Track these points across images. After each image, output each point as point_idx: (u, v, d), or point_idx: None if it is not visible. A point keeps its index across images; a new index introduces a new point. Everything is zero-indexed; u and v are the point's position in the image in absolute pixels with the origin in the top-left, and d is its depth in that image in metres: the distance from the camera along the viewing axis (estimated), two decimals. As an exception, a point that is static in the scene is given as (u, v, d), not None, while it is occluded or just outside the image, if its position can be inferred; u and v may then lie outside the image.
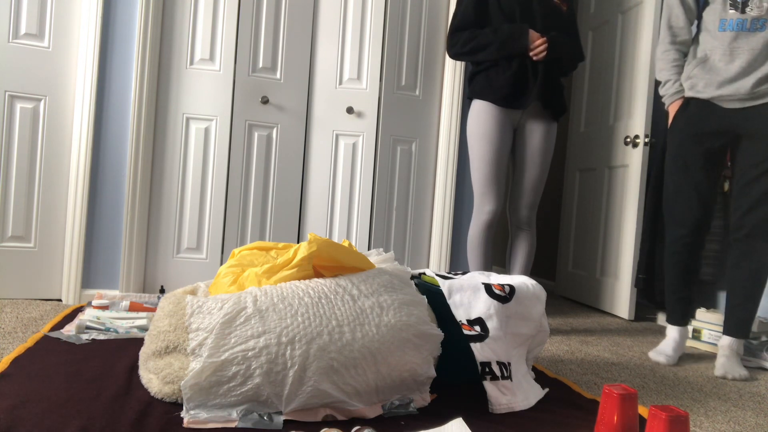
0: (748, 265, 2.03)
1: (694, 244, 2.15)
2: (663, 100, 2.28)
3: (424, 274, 1.70)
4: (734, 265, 2.07)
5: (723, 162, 2.15)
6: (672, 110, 2.24)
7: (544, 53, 2.28)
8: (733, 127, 2.07)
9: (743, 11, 2.03)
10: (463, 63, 2.83)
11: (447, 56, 2.88)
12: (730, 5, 2.06)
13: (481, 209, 2.40)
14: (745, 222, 2.03)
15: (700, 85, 2.11)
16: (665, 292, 2.27)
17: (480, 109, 2.39)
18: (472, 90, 2.45)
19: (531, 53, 2.30)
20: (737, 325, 2.06)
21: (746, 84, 2.01)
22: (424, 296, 1.51)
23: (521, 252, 2.48)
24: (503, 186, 2.41)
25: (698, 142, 2.12)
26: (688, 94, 2.17)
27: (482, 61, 2.38)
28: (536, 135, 2.41)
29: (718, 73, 2.06)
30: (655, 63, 2.97)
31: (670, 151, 2.21)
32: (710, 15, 2.11)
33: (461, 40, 2.39)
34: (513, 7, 2.35)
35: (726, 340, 2.08)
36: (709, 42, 2.11)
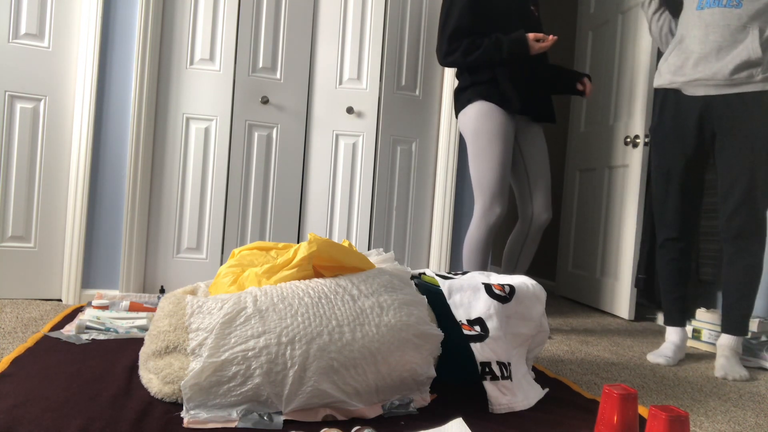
0: (742, 263, 2.04)
1: (684, 245, 2.18)
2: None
3: (424, 274, 1.70)
4: (728, 264, 2.08)
5: (706, 165, 2.17)
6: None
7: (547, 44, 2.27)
8: (707, 123, 2.08)
9: None
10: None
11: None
12: None
13: (491, 211, 2.31)
14: (732, 224, 2.04)
15: (677, 69, 2.11)
16: (661, 294, 2.27)
17: (490, 111, 2.31)
18: (477, 92, 2.34)
19: (539, 47, 2.25)
20: (734, 322, 2.06)
21: (725, 69, 2.01)
22: (424, 296, 1.51)
23: (529, 253, 2.47)
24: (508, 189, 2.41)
25: (678, 149, 2.14)
26: (665, 83, 2.17)
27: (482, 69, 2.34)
28: (538, 137, 2.44)
29: (694, 50, 2.06)
30: (653, 62, 2.97)
31: (654, 160, 2.25)
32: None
33: (461, 49, 2.29)
34: (510, 12, 2.33)
35: (725, 340, 2.08)
36: (685, 23, 2.12)
